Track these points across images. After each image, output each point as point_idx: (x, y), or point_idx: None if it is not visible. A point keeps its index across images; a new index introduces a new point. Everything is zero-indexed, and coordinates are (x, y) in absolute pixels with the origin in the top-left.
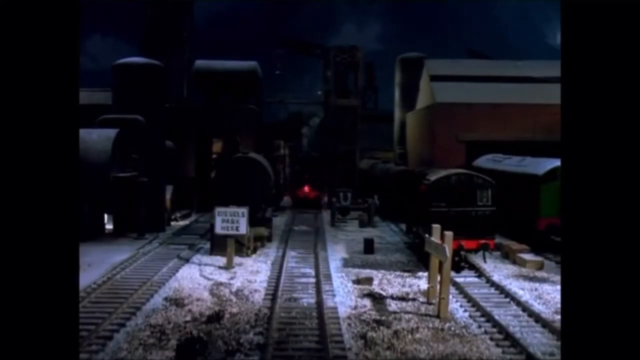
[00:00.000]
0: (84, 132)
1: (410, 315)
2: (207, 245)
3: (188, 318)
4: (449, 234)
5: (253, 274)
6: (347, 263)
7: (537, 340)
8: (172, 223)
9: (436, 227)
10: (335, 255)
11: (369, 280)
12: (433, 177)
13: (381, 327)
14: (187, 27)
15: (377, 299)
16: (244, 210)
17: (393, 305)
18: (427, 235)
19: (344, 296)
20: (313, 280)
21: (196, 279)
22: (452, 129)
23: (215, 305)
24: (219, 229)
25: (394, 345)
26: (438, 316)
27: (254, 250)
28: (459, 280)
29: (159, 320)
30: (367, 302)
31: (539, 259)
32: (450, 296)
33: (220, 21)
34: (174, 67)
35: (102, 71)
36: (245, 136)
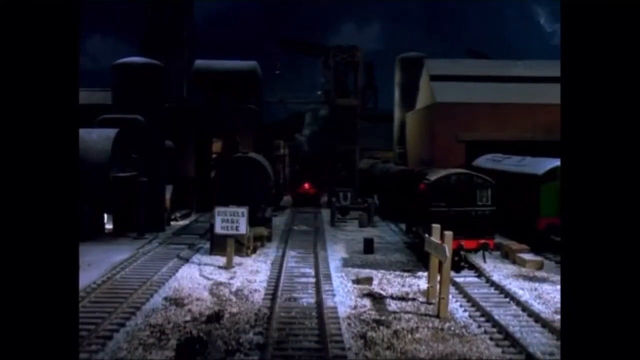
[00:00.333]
0: (84, 132)
1: (410, 315)
2: (207, 245)
3: (188, 318)
4: (449, 234)
5: (253, 274)
6: (347, 263)
7: (537, 340)
8: (172, 223)
9: (436, 227)
10: (335, 255)
11: (369, 280)
12: (433, 177)
13: (381, 327)
14: (187, 27)
15: (377, 299)
16: (244, 210)
17: (393, 305)
18: (427, 235)
19: (344, 296)
20: (313, 280)
21: (196, 279)
22: (452, 129)
23: (215, 305)
24: (219, 229)
25: (394, 345)
26: (438, 316)
27: (254, 250)
28: (459, 280)
29: (159, 320)
30: (367, 302)
31: (539, 259)
32: (450, 296)
33: (220, 21)
34: (174, 67)
35: (102, 71)
36: (245, 136)
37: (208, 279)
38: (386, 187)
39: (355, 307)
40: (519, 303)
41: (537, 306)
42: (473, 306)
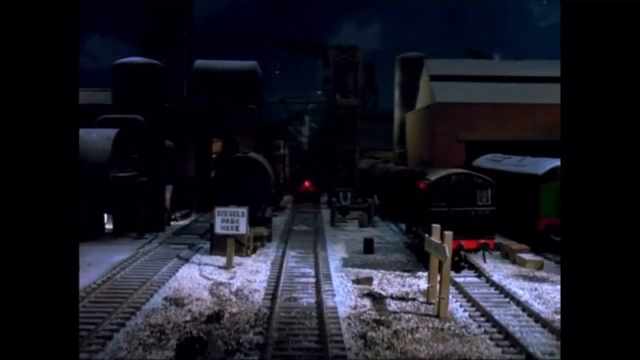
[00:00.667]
0: (84, 132)
1: (410, 315)
2: (207, 245)
3: (188, 318)
4: (449, 234)
5: (253, 274)
6: (347, 263)
7: (537, 340)
8: (172, 223)
9: (436, 227)
10: (335, 255)
11: (369, 280)
12: (433, 177)
13: (381, 327)
14: (187, 27)
15: (377, 299)
16: (244, 210)
17: (393, 305)
18: (427, 235)
19: (344, 296)
20: (313, 280)
21: (196, 279)
22: (452, 129)
23: (215, 305)
24: (219, 229)
25: (394, 345)
26: (438, 316)
27: (254, 250)
28: (459, 280)
29: (159, 320)
30: (367, 302)
31: (539, 259)
32: (450, 296)
33: (220, 21)
34: (174, 67)
35: (102, 71)
36: (245, 136)
37: (208, 279)
38: (386, 187)
39: (355, 307)
40: (519, 303)
41: (537, 306)
42: (473, 306)
